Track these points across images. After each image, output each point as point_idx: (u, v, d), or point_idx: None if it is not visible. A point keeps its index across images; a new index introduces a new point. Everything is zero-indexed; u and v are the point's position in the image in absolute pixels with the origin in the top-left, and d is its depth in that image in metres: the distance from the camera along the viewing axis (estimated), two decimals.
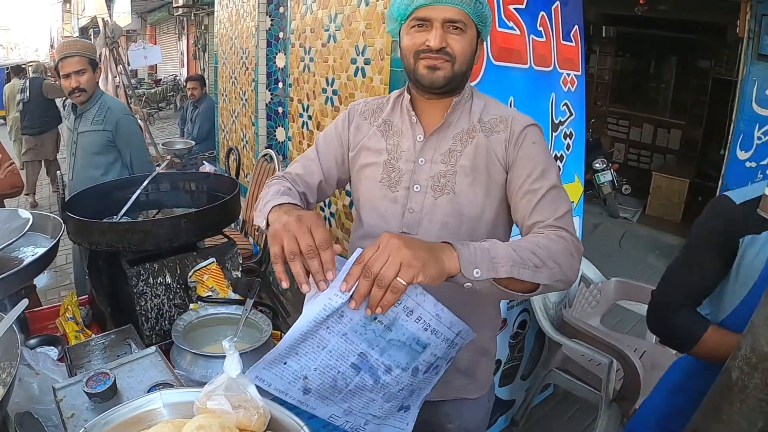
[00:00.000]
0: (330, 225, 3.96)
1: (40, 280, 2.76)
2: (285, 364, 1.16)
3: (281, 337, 1.95)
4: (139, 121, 8.27)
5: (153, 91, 18.54)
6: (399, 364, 1.25)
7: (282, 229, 1.19)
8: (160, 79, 20.72)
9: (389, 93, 3.07)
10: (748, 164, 5.73)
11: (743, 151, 5.80)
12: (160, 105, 18.42)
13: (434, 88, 1.55)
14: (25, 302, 1.37)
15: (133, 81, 10.02)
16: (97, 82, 3.62)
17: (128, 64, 8.68)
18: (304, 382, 1.18)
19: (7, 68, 19.02)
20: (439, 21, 1.46)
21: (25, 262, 1.86)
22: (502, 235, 1.64)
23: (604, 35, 9.89)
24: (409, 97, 1.66)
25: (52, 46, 45.74)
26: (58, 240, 2.04)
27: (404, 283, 1.07)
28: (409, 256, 1.08)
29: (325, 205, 4.00)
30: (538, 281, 1.24)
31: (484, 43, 1.64)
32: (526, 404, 3.48)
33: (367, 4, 3.25)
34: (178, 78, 19.83)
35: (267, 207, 1.43)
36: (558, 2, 3.13)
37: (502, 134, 1.57)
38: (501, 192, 1.58)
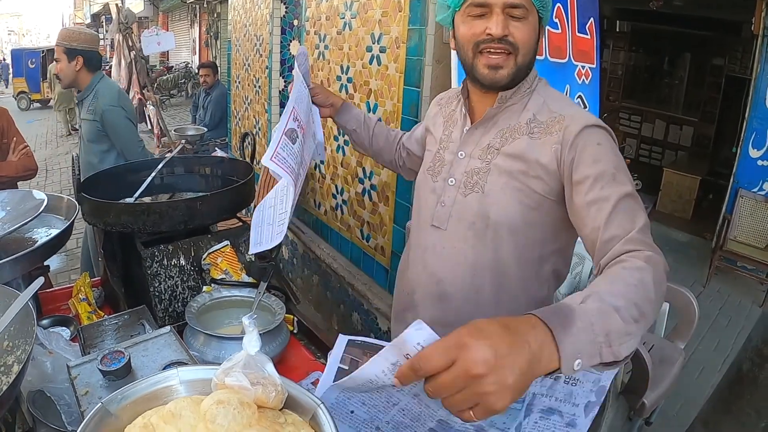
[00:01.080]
0: (342, 212, 3.96)
1: (52, 263, 2.77)
2: (352, 413, 1.04)
3: (293, 322, 1.97)
4: (151, 106, 8.35)
5: (165, 78, 18.60)
6: (494, 425, 1.06)
7: None
8: (172, 66, 20.77)
9: (404, 81, 3.09)
10: (760, 162, 5.72)
11: (755, 149, 5.78)
12: (171, 92, 18.50)
13: (495, 89, 1.46)
14: (41, 280, 1.38)
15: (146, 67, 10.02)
16: (79, 70, 3.62)
17: (141, 50, 8.65)
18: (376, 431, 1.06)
19: (43, 51, 19.45)
20: (499, 6, 1.35)
21: (39, 243, 1.87)
22: (530, 251, 1.49)
23: (618, 30, 9.85)
24: (466, 89, 1.59)
25: None
26: (73, 221, 2.06)
27: (477, 420, 0.82)
28: (495, 389, 0.79)
29: (337, 192, 4.01)
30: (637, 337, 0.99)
31: (545, 30, 1.57)
32: None
33: None
34: (189, 65, 19.89)
35: None
36: None
37: (553, 136, 1.40)
38: (539, 203, 1.42)
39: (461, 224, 1.52)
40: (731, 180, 6.05)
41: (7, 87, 33.39)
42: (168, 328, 1.52)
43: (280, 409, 0.99)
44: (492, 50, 1.39)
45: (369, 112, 3.50)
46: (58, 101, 14.68)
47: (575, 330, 0.88)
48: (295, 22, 4.58)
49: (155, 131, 8.61)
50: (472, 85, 1.54)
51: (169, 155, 2.45)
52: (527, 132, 1.44)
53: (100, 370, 1.31)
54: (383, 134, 2.04)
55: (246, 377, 0.94)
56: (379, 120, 1.95)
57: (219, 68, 8.05)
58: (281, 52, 4.77)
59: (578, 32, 3.20)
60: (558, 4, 3.02)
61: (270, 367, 0.98)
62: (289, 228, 4.46)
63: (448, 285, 1.55)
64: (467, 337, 0.81)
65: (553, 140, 1.39)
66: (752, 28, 5.84)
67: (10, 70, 22.08)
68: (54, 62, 3.67)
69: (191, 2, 18.83)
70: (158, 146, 8.63)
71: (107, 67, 15.65)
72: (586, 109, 3.32)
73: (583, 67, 3.26)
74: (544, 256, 1.51)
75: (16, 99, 20.06)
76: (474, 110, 1.58)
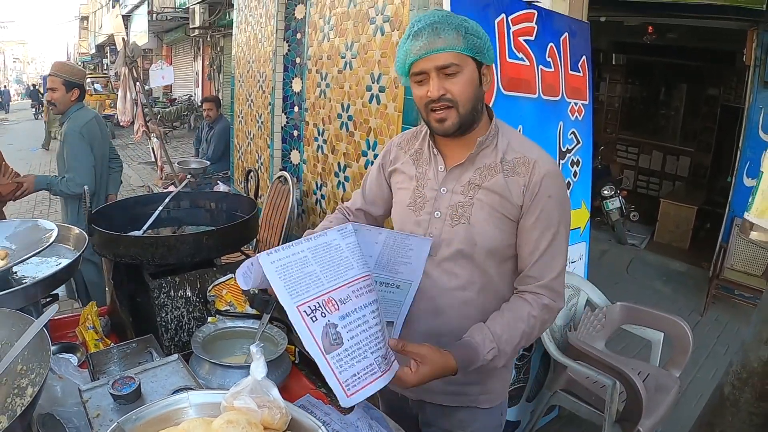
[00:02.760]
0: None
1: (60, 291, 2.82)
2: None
3: (295, 352, 2.04)
4: (155, 139, 8.46)
5: (168, 110, 18.74)
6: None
7: None
8: (175, 99, 20.95)
9: (402, 120, 3.19)
10: None
11: (750, 178, 5.85)
12: (174, 124, 18.61)
13: (447, 136, 1.66)
14: (55, 307, 1.46)
15: (149, 100, 10.20)
16: (74, 100, 4.03)
17: (146, 83, 8.80)
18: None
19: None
20: (432, 71, 1.54)
21: (50, 272, 1.93)
22: (511, 269, 1.75)
23: (614, 62, 9.95)
24: (430, 131, 1.76)
25: (68, 62, 46.25)
26: (82, 252, 2.11)
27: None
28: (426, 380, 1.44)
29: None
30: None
31: (493, 66, 1.71)
32: (531, 425, 3.53)
33: (382, 34, 3.36)
34: (192, 98, 20.04)
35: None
36: (566, 34, 3.23)
37: (521, 178, 1.64)
38: (513, 228, 1.68)
39: (449, 249, 1.70)
40: (727, 209, 6.11)
41: (7, 112, 33.54)
42: (176, 356, 1.59)
43: (284, 431, 1.06)
44: (435, 108, 1.59)
45: (369, 149, 3.60)
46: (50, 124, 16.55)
47: (471, 368, 1.52)
48: (298, 60, 4.69)
49: (158, 163, 8.70)
50: (434, 133, 1.73)
51: (175, 190, 2.53)
52: (501, 170, 1.66)
53: (111, 394, 1.38)
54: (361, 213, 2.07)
55: (253, 400, 1.01)
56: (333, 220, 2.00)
57: (222, 102, 8.15)
58: (284, 89, 4.88)
59: (571, 70, 3.30)
60: (551, 44, 3.12)
61: (275, 392, 1.05)
62: None
63: (441, 301, 1.73)
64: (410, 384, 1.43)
65: (521, 181, 1.64)
66: (744, 59, 5.96)
67: (11, 97, 22.23)
68: (49, 91, 3.95)
69: (195, 36, 19.04)
70: (161, 178, 8.72)
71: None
72: (580, 145, 3.42)
73: (576, 103, 3.36)
74: (514, 260, 1.75)
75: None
76: (443, 151, 1.75)
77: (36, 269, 2.11)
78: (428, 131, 1.77)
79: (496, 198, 1.65)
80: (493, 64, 1.71)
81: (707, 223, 7.72)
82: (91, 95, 19.27)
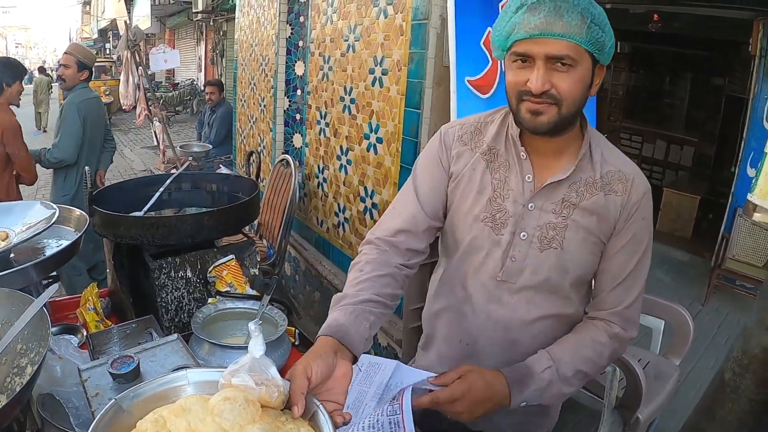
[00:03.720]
0: (344, 230, 4.03)
1: None
2: None
3: (295, 334, 2.04)
4: (158, 123, 8.44)
5: (170, 94, 18.74)
6: None
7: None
8: (178, 83, 20.93)
9: (405, 103, 3.17)
10: None
11: (753, 169, 5.82)
12: (177, 108, 18.62)
13: (538, 134, 1.39)
14: (55, 287, 1.45)
15: (151, 84, 10.19)
16: (83, 80, 4.47)
17: (148, 67, 8.77)
18: None
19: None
20: (541, 58, 1.28)
21: (51, 252, 1.93)
22: (588, 286, 1.59)
23: (618, 51, 9.87)
24: (518, 129, 1.47)
25: None
26: (83, 233, 2.11)
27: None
28: (478, 415, 1.34)
29: (339, 211, 4.08)
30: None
31: (604, 68, 1.41)
32: None
33: (386, 17, 3.34)
34: (195, 82, 20.02)
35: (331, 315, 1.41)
36: None
37: (619, 197, 1.44)
38: (602, 247, 1.49)
39: (534, 278, 1.48)
40: (730, 199, 6.10)
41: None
42: (175, 335, 1.59)
43: (282, 409, 1.06)
44: (532, 101, 1.33)
45: (371, 132, 3.58)
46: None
47: (527, 392, 1.38)
48: (300, 43, 4.68)
49: (161, 147, 8.70)
50: (521, 127, 1.45)
51: (176, 171, 2.53)
52: (601, 188, 1.44)
53: (110, 373, 1.38)
54: (395, 277, 1.53)
55: (251, 378, 1.01)
56: (379, 275, 1.48)
57: (225, 86, 8.14)
58: (286, 72, 4.87)
59: None
60: None
61: (273, 370, 1.05)
62: (291, 245, 4.54)
63: (517, 332, 1.53)
64: (468, 388, 1.32)
65: (619, 201, 1.44)
66: (749, 49, 5.92)
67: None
68: (61, 67, 4.41)
69: (198, 20, 18.98)
70: (163, 162, 8.72)
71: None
72: None
73: None
74: (591, 283, 1.60)
75: None
76: (531, 156, 1.48)
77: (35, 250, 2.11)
78: (509, 127, 1.50)
79: (594, 220, 1.44)
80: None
81: (710, 213, 7.71)
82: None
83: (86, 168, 2.33)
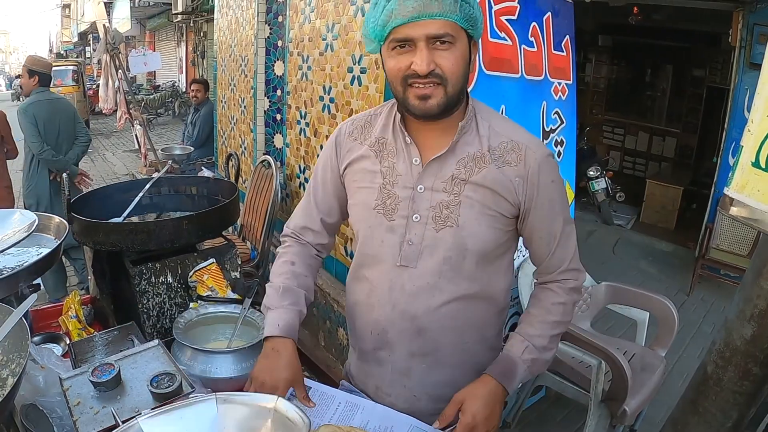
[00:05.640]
0: None
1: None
2: None
3: None
4: (139, 126, 8.40)
5: (152, 97, 18.61)
6: None
7: (255, 376, 1.49)
8: (159, 85, 20.81)
9: (384, 100, 3.16)
10: None
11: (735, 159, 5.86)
12: (158, 111, 18.48)
13: (428, 118, 1.40)
14: (34, 297, 1.43)
15: (132, 87, 10.13)
16: (35, 85, 4.92)
17: (128, 70, 8.71)
18: None
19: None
20: (422, 40, 1.29)
21: (30, 261, 1.91)
22: (505, 266, 1.59)
23: (600, 44, 9.98)
24: (400, 115, 1.51)
25: (51, 51, 45.95)
26: (62, 241, 2.09)
27: None
28: (495, 423, 1.45)
29: None
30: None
31: (478, 46, 1.43)
32: (518, 406, 3.54)
33: (363, 14, 3.33)
34: (176, 84, 19.92)
35: (267, 320, 1.58)
36: (549, 13, 3.22)
37: (514, 167, 1.44)
38: (507, 225, 1.49)
39: (433, 259, 1.49)
40: (713, 189, 6.15)
41: None
42: (156, 341, 1.58)
43: None
44: (419, 84, 1.34)
45: None
46: None
47: (518, 377, 1.50)
48: (279, 43, 4.66)
49: (143, 150, 8.65)
50: (408, 115, 1.47)
51: (156, 175, 2.51)
52: (491, 160, 1.44)
53: (91, 381, 1.37)
54: (315, 269, 1.76)
55: None
56: (293, 271, 1.67)
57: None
58: (266, 72, 4.84)
59: (554, 50, 3.28)
60: (534, 23, 3.10)
61: None
62: (274, 245, 4.52)
63: (424, 319, 1.53)
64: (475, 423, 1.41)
65: (514, 172, 1.44)
66: (730, 40, 5.97)
67: None
68: (19, 78, 5.02)
69: (178, 21, 18.89)
70: (145, 165, 8.68)
71: (94, 86, 15.71)
72: (563, 125, 3.41)
73: (559, 83, 3.35)
74: (508, 259, 1.60)
75: None
76: (418, 139, 1.50)
77: (16, 259, 2.08)
78: (395, 116, 1.52)
79: (487, 194, 1.44)
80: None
81: (693, 203, 7.78)
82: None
83: (64, 175, 2.32)
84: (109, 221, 2.19)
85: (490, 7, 2.84)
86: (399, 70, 1.35)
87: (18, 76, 5.61)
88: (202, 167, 6.42)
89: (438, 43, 1.30)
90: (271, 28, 4.74)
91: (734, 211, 1.10)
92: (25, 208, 3.44)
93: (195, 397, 1.28)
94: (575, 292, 1.58)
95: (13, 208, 4.35)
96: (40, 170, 4.96)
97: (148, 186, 2.44)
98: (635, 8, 7.53)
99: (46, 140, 4.85)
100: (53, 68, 5.66)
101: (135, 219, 2.42)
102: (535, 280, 1.63)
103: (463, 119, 1.45)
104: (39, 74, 4.91)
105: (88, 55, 30.51)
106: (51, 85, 5.25)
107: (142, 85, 21.40)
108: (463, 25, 1.31)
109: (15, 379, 1.15)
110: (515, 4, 2.99)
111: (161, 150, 7.54)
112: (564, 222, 1.52)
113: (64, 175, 2.32)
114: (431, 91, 1.34)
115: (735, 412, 1.42)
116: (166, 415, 1.20)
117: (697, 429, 1.52)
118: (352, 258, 1.70)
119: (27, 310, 1.36)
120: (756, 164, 1.04)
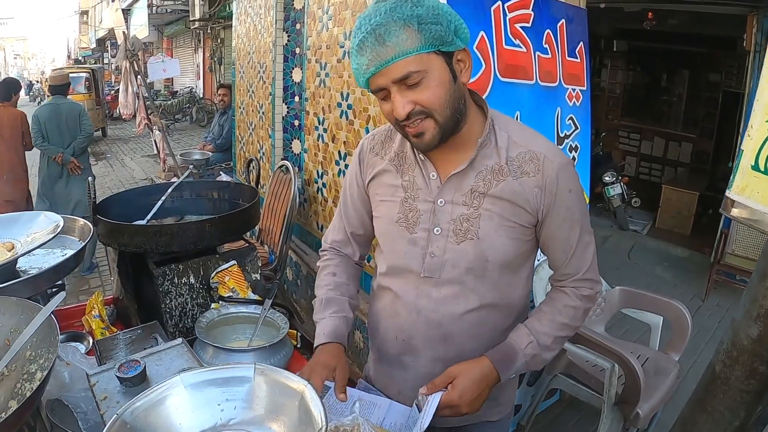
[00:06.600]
0: None
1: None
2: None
3: (297, 337, 2.08)
4: (157, 131, 8.50)
5: (169, 102, 18.75)
6: None
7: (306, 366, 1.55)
8: (177, 91, 20.96)
9: None
10: None
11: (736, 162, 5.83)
12: (176, 116, 18.61)
13: (430, 150, 1.44)
14: (63, 294, 1.49)
15: (150, 93, 10.25)
16: (49, 95, 6.34)
17: (147, 77, 8.81)
18: None
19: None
20: (392, 86, 1.30)
21: (57, 262, 1.96)
22: (526, 274, 1.62)
23: (615, 49, 9.95)
24: None
25: (69, 57, 46.42)
26: (87, 242, 2.15)
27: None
28: (479, 406, 1.45)
29: None
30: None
31: (467, 50, 1.38)
32: (532, 409, 3.56)
33: None
34: (194, 90, 20.05)
35: (316, 332, 1.66)
36: (563, 20, 3.25)
37: (532, 177, 1.44)
38: (527, 234, 1.51)
39: (456, 270, 1.51)
40: None
41: None
42: (180, 339, 1.63)
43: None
44: (408, 126, 1.36)
45: None
46: None
47: (514, 368, 1.50)
48: (297, 50, 4.71)
49: (161, 155, 8.74)
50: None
51: (177, 180, 2.57)
52: (509, 173, 1.45)
53: (117, 377, 1.42)
54: (357, 276, 1.86)
55: None
56: (336, 283, 1.76)
57: None
58: (284, 79, 4.90)
59: (568, 56, 3.32)
60: (548, 30, 3.14)
61: None
62: (292, 249, 4.58)
63: (449, 326, 1.57)
64: (460, 403, 1.42)
65: (532, 183, 1.44)
66: (744, 44, 5.96)
67: None
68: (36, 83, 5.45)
69: (195, 28, 19.04)
70: (163, 170, 8.77)
71: (113, 92, 15.83)
72: (578, 131, 3.44)
73: (573, 89, 3.38)
74: (529, 267, 1.62)
75: None
76: (432, 155, 1.51)
77: (42, 260, 2.14)
78: None
79: (506, 206, 1.45)
80: (467, 47, 1.37)
81: (709, 208, 7.72)
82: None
83: (89, 178, 2.38)
84: (133, 224, 2.25)
85: (505, 15, 2.89)
86: (389, 115, 1.38)
87: (36, 82, 6.30)
88: (221, 172, 6.49)
89: (409, 82, 1.29)
90: (289, 36, 4.80)
91: (735, 212, 1.13)
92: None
93: (237, 364, 1.33)
94: (589, 300, 1.58)
95: (28, 188, 6.21)
96: (44, 158, 6.12)
97: (171, 189, 2.50)
98: (650, 13, 7.52)
99: (49, 136, 5.98)
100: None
101: (156, 222, 2.48)
102: (551, 283, 1.65)
103: (481, 135, 1.46)
104: (49, 86, 6.40)
105: (106, 61, 30.80)
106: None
107: (160, 90, 21.60)
108: (428, 50, 1.28)
109: (44, 374, 1.19)
110: (529, 11, 3.03)
111: (180, 155, 7.62)
112: (582, 231, 1.52)
113: (90, 178, 2.39)
114: (422, 127, 1.35)
115: (742, 411, 1.45)
116: (208, 373, 1.25)
117: (706, 427, 1.54)
118: (368, 261, 1.75)
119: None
120: (756, 167, 1.08)
